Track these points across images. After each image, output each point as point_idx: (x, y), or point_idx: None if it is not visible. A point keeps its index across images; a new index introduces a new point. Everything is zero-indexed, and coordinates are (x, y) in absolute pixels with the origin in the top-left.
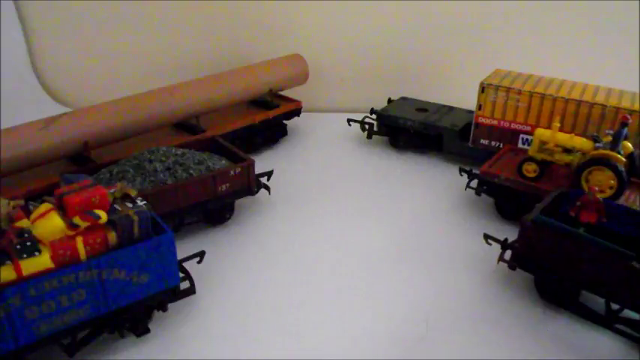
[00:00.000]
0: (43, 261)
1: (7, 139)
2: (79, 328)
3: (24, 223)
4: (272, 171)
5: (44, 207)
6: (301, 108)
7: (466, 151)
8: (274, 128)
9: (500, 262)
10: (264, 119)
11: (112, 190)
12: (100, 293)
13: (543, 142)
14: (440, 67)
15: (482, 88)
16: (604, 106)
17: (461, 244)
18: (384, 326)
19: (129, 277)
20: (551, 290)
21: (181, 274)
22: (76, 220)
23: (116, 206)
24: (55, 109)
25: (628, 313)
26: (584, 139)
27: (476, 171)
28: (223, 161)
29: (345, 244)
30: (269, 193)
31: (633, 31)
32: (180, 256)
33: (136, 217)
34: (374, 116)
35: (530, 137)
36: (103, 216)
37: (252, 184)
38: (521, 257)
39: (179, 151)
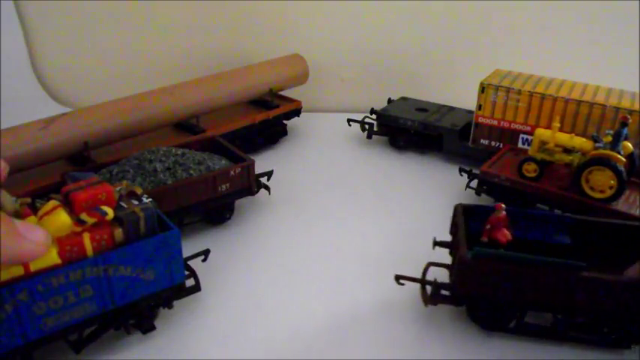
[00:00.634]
0: (50, 257)
1: (6, 139)
2: (86, 324)
3: (31, 220)
4: (272, 171)
5: (51, 204)
6: (301, 108)
7: (466, 151)
8: (274, 128)
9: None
10: (264, 119)
11: (118, 188)
12: (106, 289)
13: (543, 142)
14: (440, 67)
15: (483, 88)
16: (604, 106)
17: None
18: (384, 326)
19: (135, 273)
20: (491, 318)
21: (186, 272)
22: (83, 216)
23: (122, 203)
24: (55, 109)
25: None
26: (584, 139)
27: (476, 171)
28: (223, 161)
29: (346, 244)
30: (269, 193)
31: (633, 31)
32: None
33: (142, 214)
34: (374, 116)
35: (530, 137)
36: (110, 212)
37: (253, 184)
38: (458, 294)
39: (179, 151)
